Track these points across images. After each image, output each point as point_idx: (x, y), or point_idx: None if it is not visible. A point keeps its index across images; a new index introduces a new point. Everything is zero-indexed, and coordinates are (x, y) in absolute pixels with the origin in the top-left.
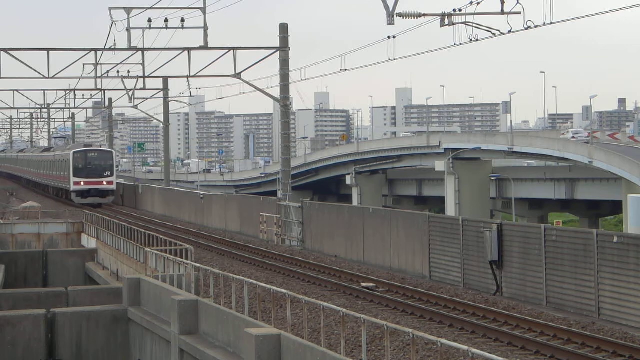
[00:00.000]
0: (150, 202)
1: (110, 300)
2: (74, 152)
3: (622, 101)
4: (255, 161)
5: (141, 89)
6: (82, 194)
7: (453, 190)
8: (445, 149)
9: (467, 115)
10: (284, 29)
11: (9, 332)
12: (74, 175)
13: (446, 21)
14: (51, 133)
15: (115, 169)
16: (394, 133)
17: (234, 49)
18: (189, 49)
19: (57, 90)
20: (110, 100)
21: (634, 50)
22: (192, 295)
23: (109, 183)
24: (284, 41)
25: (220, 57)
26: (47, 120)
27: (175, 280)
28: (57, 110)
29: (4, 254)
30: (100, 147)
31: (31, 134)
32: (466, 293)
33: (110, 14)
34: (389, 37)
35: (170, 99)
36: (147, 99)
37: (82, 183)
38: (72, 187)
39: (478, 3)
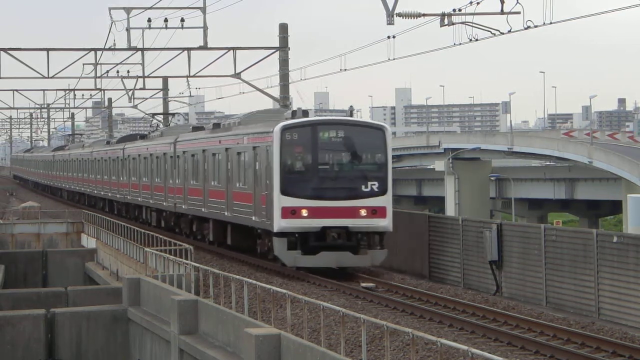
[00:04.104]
0: None
1: (110, 300)
2: (285, 128)
3: (621, 101)
4: None
5: (141, 88)
6: (306, 239)
7: (453, 190)
8: (445, 149)
9: (467, 115)
10: (283, 29)
11: (8, 332)
12: (284, 192)
13: (446, 21)
14: (51, 133)
15: (390, 172)
16: (394, 133)
17: (234, 48)
18: (189, 49)
19: (56, 90)
20: (109, 100)
21: (634, 50)
22: (192, 295)
23: (378, 213)
24: (284, 41)
25: (220, 57)
26: (46, 120)
27: (175, 280)
28: (57, 110)
29: (3, 254)
30: (352, 114)
31: (31, 134)
32: (466, 293)
33: (110, 14)
34: (388, 37)
35: (170, 99)
36: (146, 98)
37: (306, 212)
38: (278, 224)
39: (478, 3)
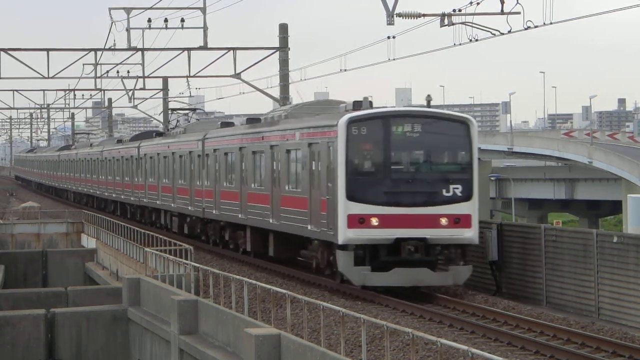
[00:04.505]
0: None
1: (110, 300)
2: (352, 120)
3: (621, 101)
4: None
5: (141, 89)
6: (376, 253)
7: None
8: None
9: None
10: (283, 29)
11: (8, 332)
12: (351, 196)
13: (446, 21)
14: (51, 133)
15: (476, 174)
16: None
17: (234, 49)
18: (189, 49)
19: (56, 90)
20: (110, 100)
21: (634, 50)
22: (192, 295)
23: (462, 222)
24: (284, 41)
25: (220, 57)
26: (46, 120)
27: (175, 280)
28: (57, 110)
29: (3, 254)
30: (430, 104)
31: (31, 134)
32: (466, 293)
33: (110, 14)
34: (388, 37)
35: (170, 99)
36: (146, 99)
37: (377, 221)
38: (344, 234)
39: (478, 3)
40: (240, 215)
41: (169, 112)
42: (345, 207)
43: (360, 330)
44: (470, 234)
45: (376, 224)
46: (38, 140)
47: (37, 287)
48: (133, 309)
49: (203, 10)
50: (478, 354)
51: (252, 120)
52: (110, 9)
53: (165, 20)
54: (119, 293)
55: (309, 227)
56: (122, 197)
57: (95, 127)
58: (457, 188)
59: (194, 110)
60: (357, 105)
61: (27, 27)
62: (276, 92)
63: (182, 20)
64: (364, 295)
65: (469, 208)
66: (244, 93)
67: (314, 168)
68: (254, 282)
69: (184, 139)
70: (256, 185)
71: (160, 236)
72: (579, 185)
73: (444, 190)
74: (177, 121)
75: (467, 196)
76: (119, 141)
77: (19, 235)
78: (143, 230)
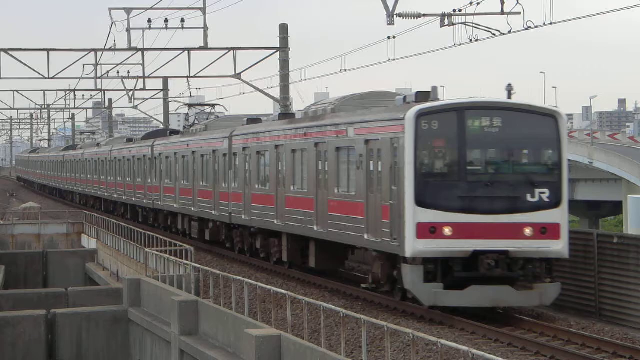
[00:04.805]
0: None
1: (111, 301)
2: (421, 114)
3: (622, 101)
4: None
5: (141, 89)
6: (449, 268)
7: None
8: None
9: None
10: (283, 29)
11: (9, 333)
12: (421, 202)
13: (446, 21)
14: (51, 133)
15: (566, 176)
16: None
17: (234, 49)
18: (189, 49)
19: (57, 90)
20: (110, 100)
21: (634, 50)
22: (192, 296)
23: (549, 232)
24: (284, 42)
25: (220, 57)
26: (47, 120)
27: (176, 280)
28: (57, 110)
29: (4, 255)
30: (511, 94)
31: (31, 135)
32: None
33: (110, 14)
34: (388, 38)
35: (170, 100)
36: (147, 99)
37: (450, 230)
38: (413, 246)
39: (478, 3)
40: (275, 221)
41: (187, 108)
42: (413, 214)
43: (361, 330)
44: (559, 247)
45: (450, 233)
46: (40, 140)
47: (37, 287)
48: (133, 310)
49: (203, 10)
50: (479, 355)
51: (286, 115)
52: (110, 9)
53: (166, 21)
54: (119, 294)
55: (366, 236)
56: (134, 199)
57: (96, 128)
58: (544, 193)
59: (213, 106)
60: (421, 96)
61: (27, 27)
62: (276, 93)
63: (182, 20)
64: (364, 295)
65: (558, 216)
66: (244, 93)
67: (372, 169)
68: (254, 282)
69: (207, 137)
70: (296, 188)
71: (160, 237)
72: (579, 185)
73: (528, 195)
74: (195, 118)
75: (555, 202)
76: (129, 140)
77: (19, 236)
78: (143, 231)
